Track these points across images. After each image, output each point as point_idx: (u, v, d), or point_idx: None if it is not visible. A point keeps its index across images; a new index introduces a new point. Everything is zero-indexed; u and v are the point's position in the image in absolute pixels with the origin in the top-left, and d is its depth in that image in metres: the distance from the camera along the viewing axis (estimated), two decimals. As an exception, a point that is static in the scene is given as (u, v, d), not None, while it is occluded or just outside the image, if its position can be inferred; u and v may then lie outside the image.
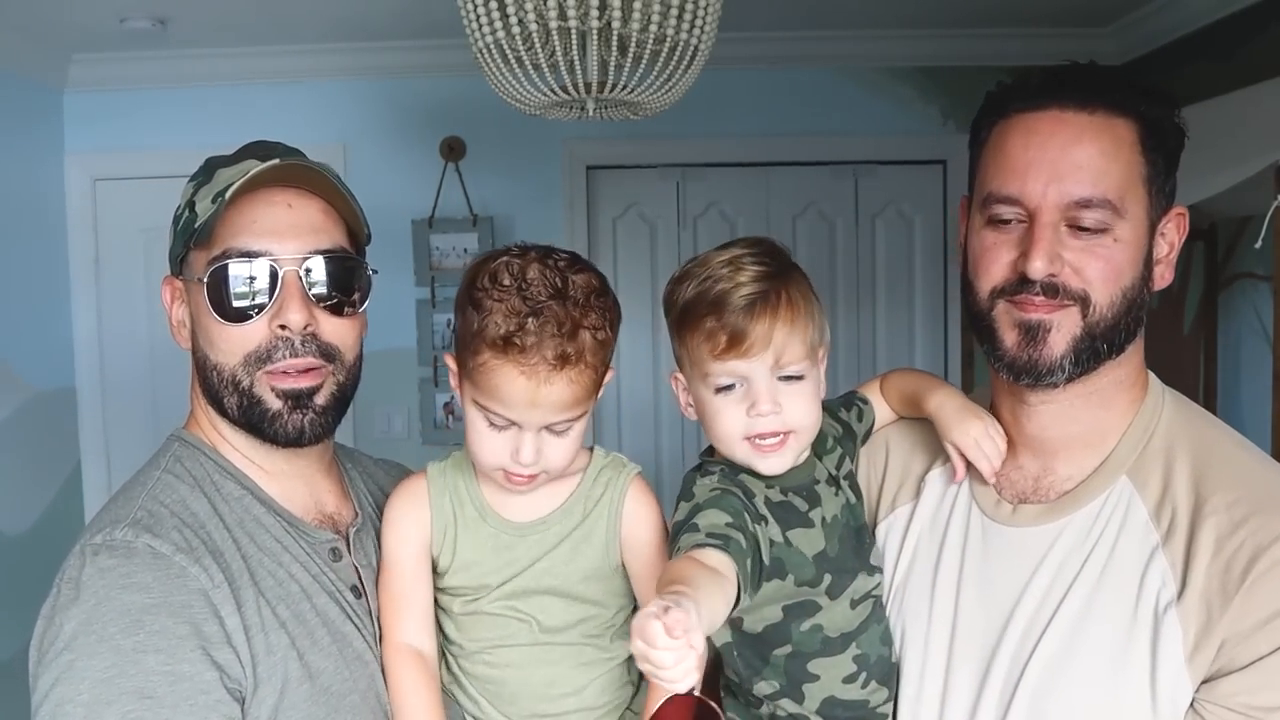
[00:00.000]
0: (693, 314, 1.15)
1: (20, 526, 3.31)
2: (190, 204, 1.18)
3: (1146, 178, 1.07)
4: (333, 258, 1.17)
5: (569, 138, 3.61)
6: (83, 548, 1.07)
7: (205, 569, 1.07)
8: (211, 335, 1.16)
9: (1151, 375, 1.17)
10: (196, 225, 1.15)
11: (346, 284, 1.18)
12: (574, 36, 2.10)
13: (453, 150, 3.64)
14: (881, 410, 1.32)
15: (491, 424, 1.16)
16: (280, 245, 1.14)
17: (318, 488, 1.25)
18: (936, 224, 3.77)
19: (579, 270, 1.18)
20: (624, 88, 2.17)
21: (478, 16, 2.11)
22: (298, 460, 1.22)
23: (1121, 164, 1.05)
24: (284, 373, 1.15)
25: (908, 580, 1.21)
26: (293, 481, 1.22)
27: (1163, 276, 1.12)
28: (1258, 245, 2.38)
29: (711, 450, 1.22)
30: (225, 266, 1.13)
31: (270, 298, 1.13)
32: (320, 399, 1.17)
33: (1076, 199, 1.04)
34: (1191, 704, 1.00)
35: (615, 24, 2.05)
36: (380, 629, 1.22)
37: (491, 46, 2.14)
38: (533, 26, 2.07)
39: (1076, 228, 1.05)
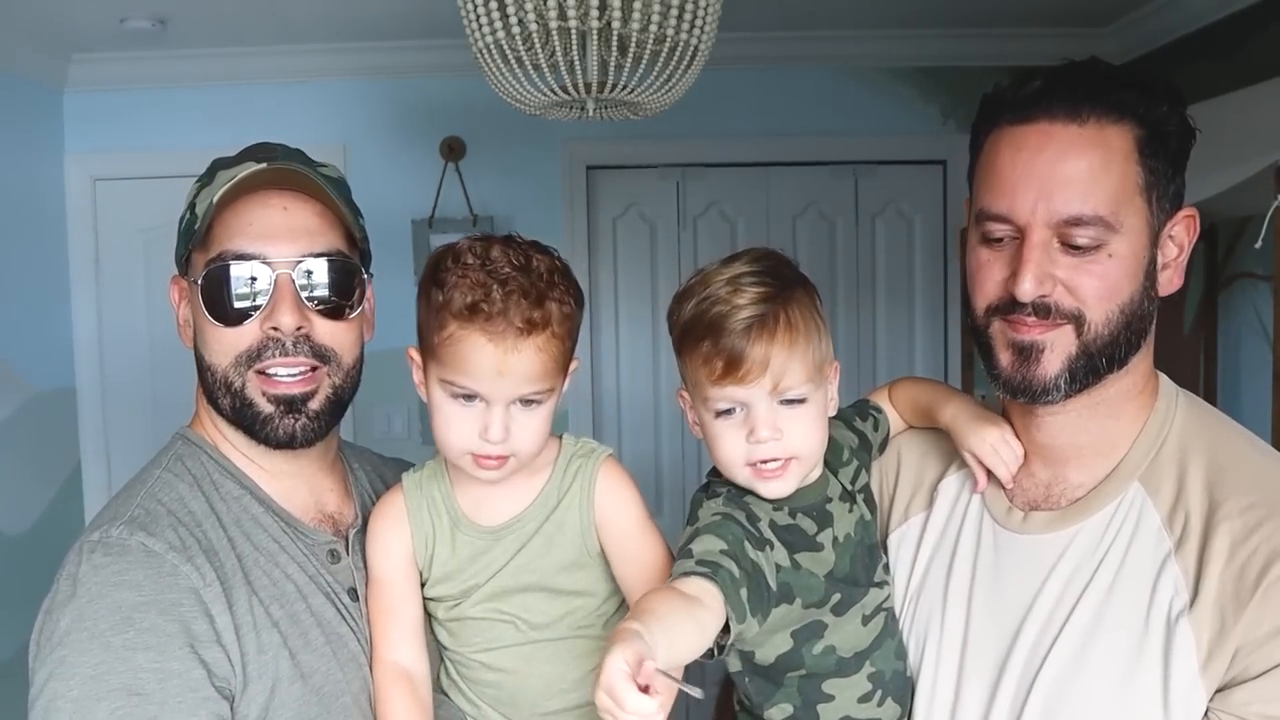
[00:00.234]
0: (691, 336, 1.12)
1: (20, 526, 3.30)
2: (191, 205, 1.18)
3: (1144, 186, 1.03)
4: (327, 260, 1.16)
5: (569, 138, 3.61)
6: (80, 545, 1.09)
7: (198, 567, 1.08)
8: (206, 336, 1.17)
9: (1164, 378, 1.14)
10: (196, 227, 1.16)
11: (342, 287, 1.18)
12: (574, 36, 2.10)
13: (453, 150, 3.63)
14: (893, 419, 1.30)
15: (458, 399, 1.14)
16: (274, 248, 1.14)
17: (319, 488, 1.25)
18: (936, 224, 3.77)
19: (542, 252, 1.18)
20: (624, 88, 2.17)
21: (478, 16, 2.11)
22: (298, 461, 1.22)
23: (1114, 177, 1.02)
24: (275, 378, 1.15)
25: (921, 590, 1.20)
26: (293, 481, 1.22)
27: (1170, 282, 1.09)
28: (1258, 245, 2.37)
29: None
30: (219, 269, 1.14)
31: (263, 300, 1.14)
32: (314, 404, 1.17)
33: (1066, 217, 1.01)
34: (1205, 714, 0.99)
35: (615, 24, 2.05)
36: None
37: (491, 46, 2.14)
38: (533, 26, 2.07)
39: (1069, 245, 1.02)
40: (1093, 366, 1.06)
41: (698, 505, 1.16)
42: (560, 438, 1.25)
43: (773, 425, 1.10)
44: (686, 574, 1.02)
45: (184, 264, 1.21)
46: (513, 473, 1.19)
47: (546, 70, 2.16)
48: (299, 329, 1.14)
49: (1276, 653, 0.96)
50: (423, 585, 1.24)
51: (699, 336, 1.11)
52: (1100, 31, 3.46)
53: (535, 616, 1.21)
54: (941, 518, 1.21)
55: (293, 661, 1.11)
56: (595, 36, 2.07)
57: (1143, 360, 1.10)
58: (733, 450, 1.12)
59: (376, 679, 1.19)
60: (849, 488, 1.20)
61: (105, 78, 3.59)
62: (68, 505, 3.55)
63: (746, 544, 1.08)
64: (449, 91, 3.59)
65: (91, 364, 3.69)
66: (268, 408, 1.16)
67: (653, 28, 2.09)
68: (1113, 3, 3.24)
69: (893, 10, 3.32)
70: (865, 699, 1.15)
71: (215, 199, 1.13)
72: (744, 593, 1.03)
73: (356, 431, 3.39)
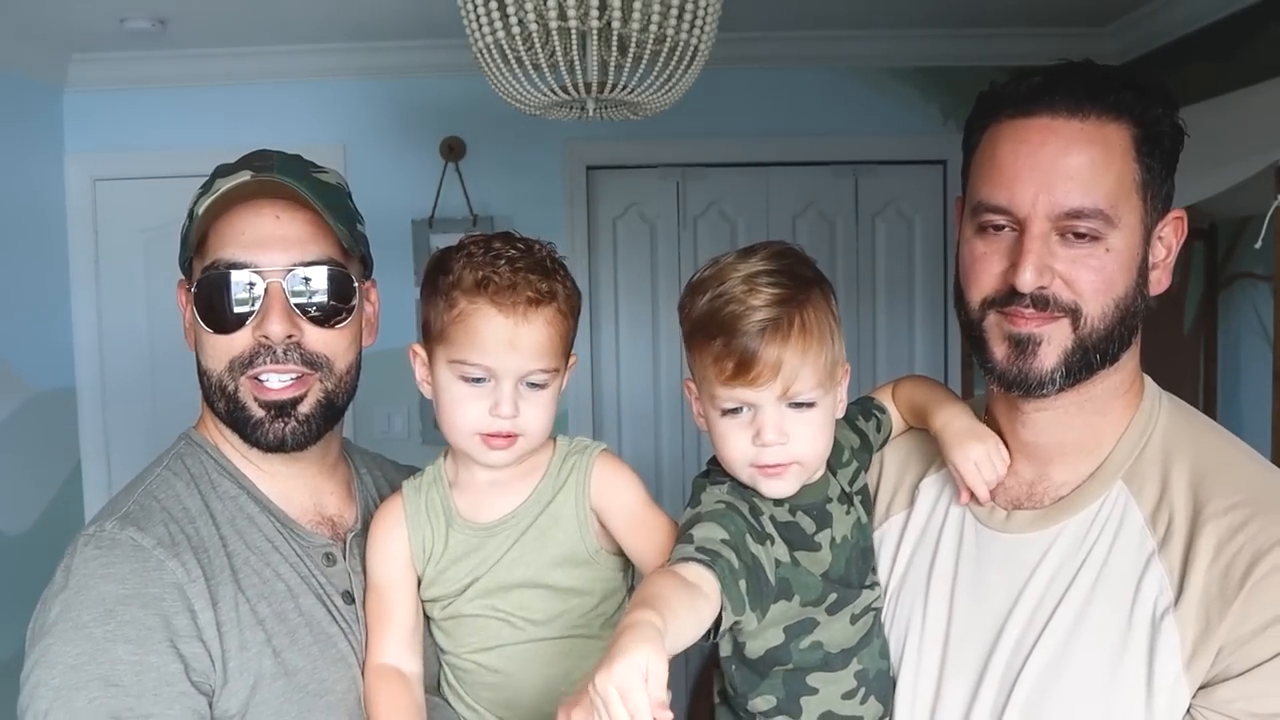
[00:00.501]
0: (703, 332, 1.11)
1: (20, 526, 3.31)
2: (191, 212, 1.20)
3: (1141, 184, 1.05)
4: (319, 269, 1.17)
5: (569, 138, 3.61)
6: (77, 538, 1.11)
7: (184, 563, 1.10)
8: (201, 341, 1.19)
9: (1148, 379, 1.15)
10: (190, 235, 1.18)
11: (333, 295, 1.19)
12: (574, 36, 2.10)
13: (453, 150, 3.64)
14: (895, 419, 1.30)
15: (467, 381, 1.16)
16: (265, 257, 1.15)
17: (319, 490, 1.26)
18: (936, 224, 3.77)
19: (541, 247, 1.21)
20: (624, 88, 2.17)
21: (478, 17, 2.11)
22: (295, 463, 1.22)
23: (1114, 172, 1.03)
24: (266, 384, 1.17)
25: (901, 588, 1.20)
26: (292, 483, 1.23)
27: (1159, 282, 1.10)
28: (1258, 245, 2.37)
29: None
30: (211, 277, 1.16)
31: (254, 309, 1.15)
32: (304, 407, 1.18)
33: (1067, 209, 1.02)
34: (1189, 710, 0.99)
35: (615, 24, 2.05)
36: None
37: (491, 46, 2.14)
38: (533, 26, 2.07)
39: (1067, 238, 1.03)
40: (1087, 361, 1.06)
41: (700, 489, 1.16)
42: (555, 439, 1.26)
43: (779, 429, 1.10)
44: (686, 559, 1.03)
45: (186, 269, 1.22)
46: (520, 456, 1.19)
47: (546, 70, 2.16)
48: (289, 337, 1.16)
49: (1259, 650, 0.96)
50: (421, 587, 1.24)
51: (711, 334, 1.10)
52: (1100, 31, 3.47)
53: (530, 614, 1.21)
54: (923, 516, 1.22)
55: (276, 659, 1.12)
56: (595, 36, 2.07)
57: (1131, 358, 1.11)
58: (737, 450, 1.13)
59: (368, 680, 1.20)
60: (847, 489, 1.20)
61: (105, 78, 3.59)
62: (67, 505, 3.55)
63: (748, 536, 1.09)
64: (449, 91, 3.59)
65: (91, 364, 3.69)
66: (259, 412, 1.17)
67: (653, 28, 2.09)
68: (1112, 3, 3.24)
69: (893, 10, 3.32)
70: (849, 695, 1.15)
71: (200, 210, 1.16)
72: (743, 585, 1.04)
73: (356, 431, 3.39)
